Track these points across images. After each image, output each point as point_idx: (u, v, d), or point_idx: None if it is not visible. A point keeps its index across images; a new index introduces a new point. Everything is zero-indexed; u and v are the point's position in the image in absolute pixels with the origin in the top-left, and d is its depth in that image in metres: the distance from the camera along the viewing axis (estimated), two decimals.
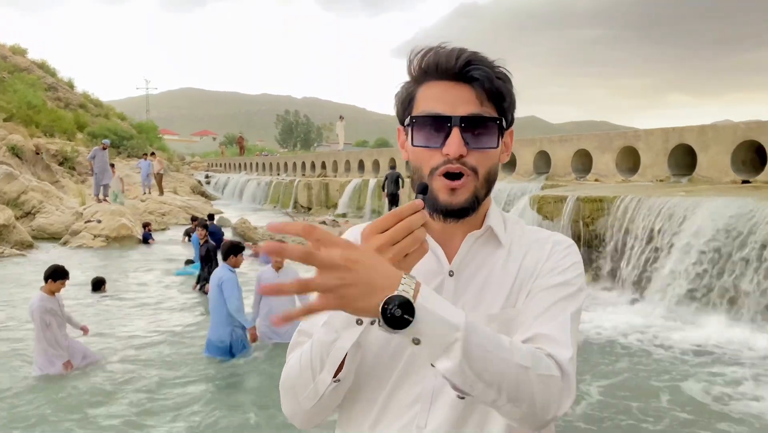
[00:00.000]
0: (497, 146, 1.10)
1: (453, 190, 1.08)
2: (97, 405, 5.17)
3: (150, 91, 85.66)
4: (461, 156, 1.06)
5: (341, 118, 30.73)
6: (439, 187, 1.08)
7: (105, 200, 17.94)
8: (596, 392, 5.36)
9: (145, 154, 24.80)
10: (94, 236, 15.63)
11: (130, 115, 44.81)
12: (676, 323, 7.23)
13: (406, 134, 1.14)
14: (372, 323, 0.97)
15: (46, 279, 5.87)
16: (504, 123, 1.11)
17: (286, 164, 34.69)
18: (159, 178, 23.47)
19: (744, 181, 10.24)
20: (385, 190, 17.70)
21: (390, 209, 17.42)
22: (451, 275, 1.14)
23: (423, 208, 0.95)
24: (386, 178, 17.86)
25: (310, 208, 24.94)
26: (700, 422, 4.76)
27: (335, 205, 23.03)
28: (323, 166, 29.00)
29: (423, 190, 1.03)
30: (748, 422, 4.72)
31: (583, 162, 13.87)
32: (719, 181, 10.54)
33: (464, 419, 1.09)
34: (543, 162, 15.23)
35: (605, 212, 9.18)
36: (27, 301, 6.51)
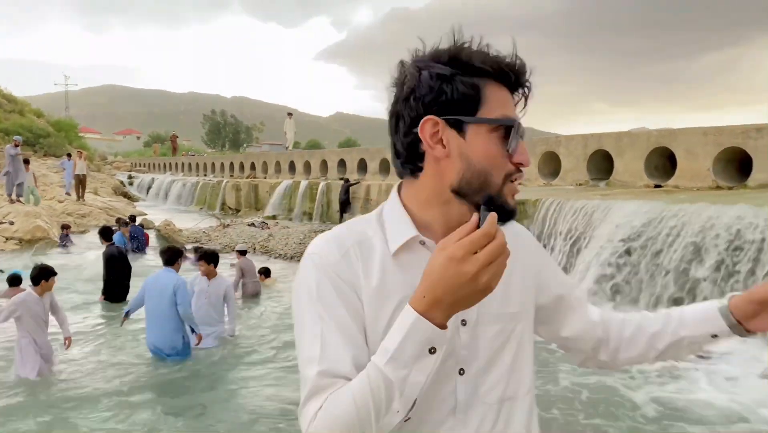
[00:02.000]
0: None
1: (515, 194, 1.09)
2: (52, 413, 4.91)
3: (69, 88, 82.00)
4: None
5: (290, 115, 29.13)
6: (509, 192, 1.06)
7: (19, 201, 17.03)
8: None
9: (69, 154, 23.54)
10: (6, 239, 14.81)
11: (47, 112, 42.64)
12: None
13: (460, 130, 1.05)
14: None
15: (36, 281, 5.66)
16: None
17: (213, 165, 33.94)
18: (79, 180, 22.20)
19: (656, 186, 10.80)
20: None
21: (341, 218, 17.19)
22: None
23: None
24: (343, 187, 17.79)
25: (238, 210, 24.49)
26: (585, 412, 4.97)
27: (265, 207, 22.73)
28: (252, 167, 28.55)
29: (488, 202, 1.02)
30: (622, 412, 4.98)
31: None
32: (634, 185, 11.07)
33: (496, 426, 1.12)
34: None
35: (528, 215, 9.47)
36: None
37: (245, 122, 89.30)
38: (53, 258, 13.16)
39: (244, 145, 78.48)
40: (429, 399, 1.04)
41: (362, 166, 20.52)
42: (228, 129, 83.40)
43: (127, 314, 6.44)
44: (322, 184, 19.92)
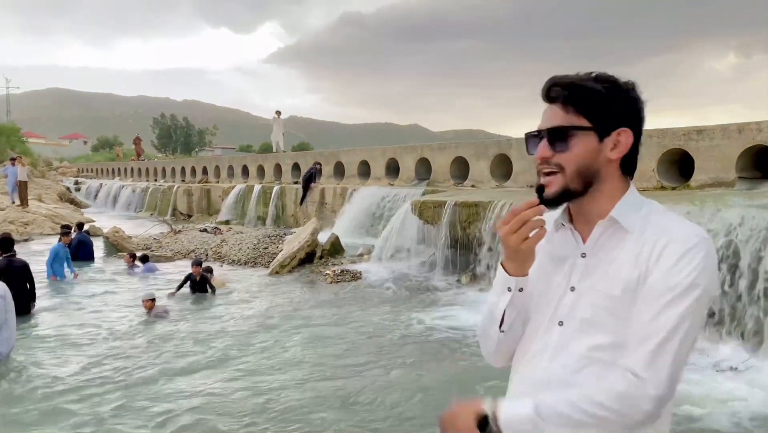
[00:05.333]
0: (568, 149, 1.38)
1: (546, 184, 1.40)
2: None
3: (11, 91, 79.01)
4: (546, 158, 1.39)
5: (278, 113, 25.44)
6: (540, 182, 1.42)
7: None
8: (481, 393, 5.58)
9: (13, 159, 22.59)
10: None
11: None
12: None
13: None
14: (519, 290, 1.43)
15: None
16: (597, 128, 1.38)
17: (164, 169, 33.22)
18: (22, 186, 21.42)
19: None
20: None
21: (302, 200, 17.64)
22: (583, 257, 1.43)
23: (538, 205, 1.37)
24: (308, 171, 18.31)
25: (190, 216, 24.05)
26: None
27: (217, 212, 22.38)
28: (204, 171, 28.07)
29: (539, 190, 1.40)
30: None
31: (461, 169, 14.42)
32: None
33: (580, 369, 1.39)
34: (424, 168, 15.66)
35: (480, 216, 9.60)
36: None
37: (197, 126, 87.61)
38: None
39: (196, 150, 77.03)
40: (536, 337, 1.47)
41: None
42: (179, 133, 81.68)
43: None
44: (275, 188, 19.75)
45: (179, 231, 17.01)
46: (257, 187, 20.81)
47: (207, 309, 9.04)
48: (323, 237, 12.70)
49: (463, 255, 10.07)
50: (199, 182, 26.59)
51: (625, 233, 1.38)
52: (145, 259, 12.44)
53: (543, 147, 1.40)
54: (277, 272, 11.65)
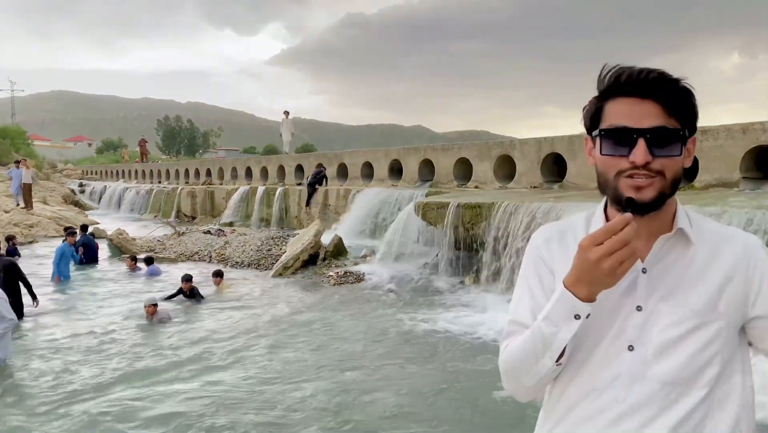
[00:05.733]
0: (680, 154, 1.26)
1: (639, 188, 1.24)
2: None
3: (16, 93, 79.27)
4: (647, 163, 1.23)
5: (286, 113, 24.68)
6: (625, 186, 1.26)
7: None
8: (486, 395, 5.57)
9: (17, 162, 22.65)
10: None
11: None
12: None
13: (594, 144, 1.33)
14: (587, 316, 1.24)
15: None
16: (687, 133, 1.27)
17: (168, 172, 33.28)
18: (27, 189, 21.48)
19: None
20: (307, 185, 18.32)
21: (307, 202, 17.62)
22: (644, 272, 1.31)
23: (631, 219, 1.16)
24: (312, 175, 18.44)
25: (194, 217, 24.09)
26: None
27: (221, 214, 22.41)
28: (208, 173, 28.12)
29: (629, 204, 1.24)
30: None
31: (464, 170, 14.40)
32: (586, 187, 11.31)
33: (666, 405, 1.28)
34: (427, 170, 15.65)
35: (484, 218, 9.58)
36: None
37: (201, 128, 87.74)
38: None
39: (200, 151, 77.13)
40: (598, 366, 1.32)
41: None
42: (183, 135, 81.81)
43: None
44: (279, 190, 19.76)
45: (183, 233, 17.03)
46: (261, 189, 20.83)
47: (209, 313, 9.04)
48: (326, 239, 12.70)
49: (467, 256, 10.05)
50: (202, 184, 26.63)
51: (688, 244, 1.32)
52: (149, 261, 12.46)
53: (643, 149, 1.23)
54: (280, 274, 11.65)
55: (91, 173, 47.22)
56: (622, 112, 1.25)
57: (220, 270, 10.94)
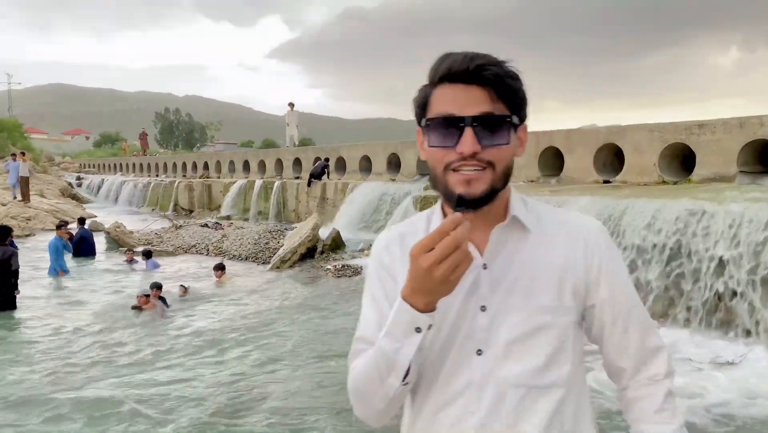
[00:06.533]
0: (509, 142, 1.16)
1: (468, 181, 1.13)
2: None
3: (13, 86, 79.02)
4: (475, 153, 1.12)
5: (291, 105, 23.99)
6: (454, 181, 1.14)
7: None
8: None
9: (14, 154, 22.61)
10: None
11: None
12: None
13: (423, 136, 1.21)
14: (429, 327, 1.11)
15: None
16: (517, 119, 1.18)
17: (165, 165, 33.24)
18: (24, 182, 21.46)
19: (605, 181, 11.08)
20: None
21: (309, 183, 17.41)
22: (484, 268, 1.21)
23: (462, 218, 1.05)
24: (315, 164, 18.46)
25: (191, 211, 24.07)
26: None
27: (219, 207, 22.40)
28: (206, 166, 28.09)
29: (460, 202, 1.13)
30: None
31: None
32: (583, 181, 11.33)
33: (524, 410, 1.19)
34: (425, 164, 15.60)
35: None
36: None
37: (199, 121, 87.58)
38: None
39: (198, 145, 77.03)
40: (449, 376, 1.21)
41: None
42: (182, 128, 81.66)
43: None
44: (277, 184, 19.75)
45: (180, 226, 17.02)
46: (258, 183, 20.82)
47: (206, 305, 9.05)
48: (324, 232, 12.70)
49: None
50: (200, 178, 26.60)
51: (525, 232, 1.22)
52: (148, 254, 12.45)
53: (470, 138, 1.12)
54: (278, 267, 11.66)
55: (89, 166, 47.15)
56: (447, 100, 1.15)
57: (221, 263, 10.94)
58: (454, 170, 1.14)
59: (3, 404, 5.24)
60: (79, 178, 38.77)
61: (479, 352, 1.19)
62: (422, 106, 1.20)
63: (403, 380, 1.15)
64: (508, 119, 1.15)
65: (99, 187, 35.46)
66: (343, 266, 11.00)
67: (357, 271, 10.73)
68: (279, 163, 22.46)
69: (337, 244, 12.57)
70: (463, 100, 1.13)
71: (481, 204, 1.14)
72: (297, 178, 20.24)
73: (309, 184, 17.98)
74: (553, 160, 12.22)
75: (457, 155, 1.13)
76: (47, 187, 27.38)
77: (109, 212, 24.84)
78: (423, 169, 15.70)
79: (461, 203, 1.12)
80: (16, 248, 13.91)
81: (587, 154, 11.39)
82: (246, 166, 24.72)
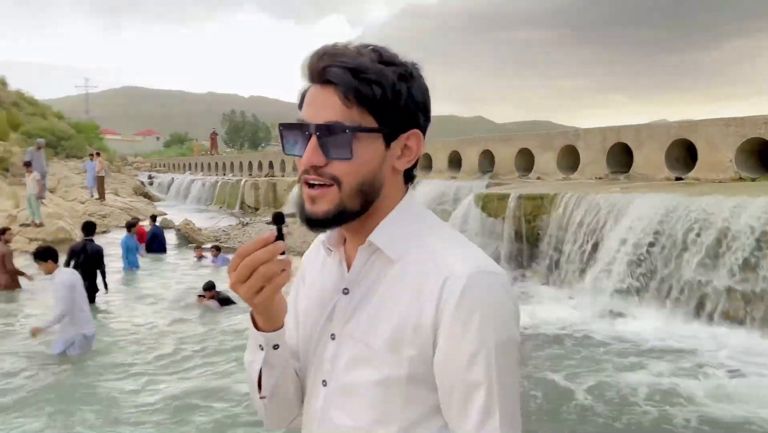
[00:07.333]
0: (351, 157, 0.97)
1: (313, 199, 1.01)
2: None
3: (89, 90, 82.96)
4: (316, 166, 0.98)
5: None
6: (304, 195, 1.02)
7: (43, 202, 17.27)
8: (526, 384, 5.49)
9: (91, 155, 23.78)
10: (30, 240, 15.03)
11: (68, 115, 43.20)
12: (612, 315, 7.47)
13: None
14: (274, 347, 1.06)
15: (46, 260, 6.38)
16: (385, 130, 1.00)
17: (232, 164, 34.17)
18: (100, 181, 22.56)
19: (677, 178, 10.66)
20: None
21: None
22: (345, 293, 1.07)
23: (275, 241, 0.95)
24: None
25: (257, 209, 24.65)
26: (624, 419, 4.88)
27: (283, 205, 22.83)
28: (270, 165, 28.70)
29: (276, 219, 1.03)
30: (672, 417, 4.90)
31: (526, 161, 14.16)
32: (654, 178, 10.94)
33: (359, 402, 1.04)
34: (487, 161, 15.47)
35: (546, 209, 9.40)
36: None
37: (264, 121, 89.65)
38: None
39: (263, 144, 78.81)
40: (307, 398, 1.14)
41: None
42: (247, 128, 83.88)
43: None
44: None
45: (247, 224, 17.47)
46: None
47: None
48: None
49: (528, 249, 9.90)
50: (265, 176, 27.20)
51: (390, 262, 1.03)
52: (217, 250, 12.81)
53: (310, 150, 0.98)
54: None
55: (160, 166, 49.00)
56: (307, 103, 1.01)
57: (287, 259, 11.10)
58: (304, 183, 1.02)
59: (91, 397, 5.51)
60: (150, 177, 40.35)
61: (324, 383, 1.08)
62: (299, 107, 1.05)
63: (260, 395, 1.10)
64: (347, 131, 0.97)
65: (169, 186, 36.81)
66: None
67: None
68: None
69: None
70: (319, 105, 0.99)
71: (327, 225, 1.02)
72: None
73: None
74: (621, 157, 11.85)
75: (303, 167, 1.00)
76: (121, 186, 28.63)
77: (179, 210, 25.75)
78: (485, 166, 15.53)
79: (276, 221, 1.03)
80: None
81: (658, 150, 10.99)
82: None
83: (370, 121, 0.98)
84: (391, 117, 1.00)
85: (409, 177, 1.09)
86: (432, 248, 1.02)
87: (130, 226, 12.87)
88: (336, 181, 0.99)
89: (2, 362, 6.31)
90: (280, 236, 0.97)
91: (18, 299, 9.51)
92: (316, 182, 1.00)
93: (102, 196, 22.25)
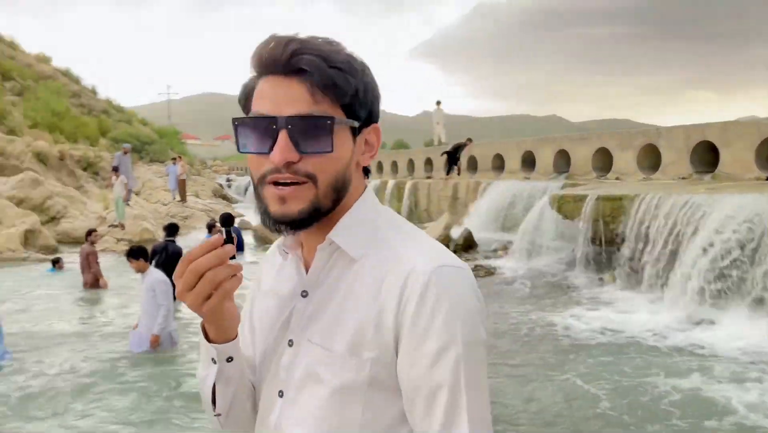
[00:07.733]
0: (332, 150, 0.92)
1: (283, 198, 0.93)
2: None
3: (171, 96, 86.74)
4: (292, 163, 0.91)
5: (438, 103, 22.96)
6: (269, 196, 0.94)
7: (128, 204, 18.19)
8: (605, 394, 5.29)
9: (173, 159, 24.90)
10: (117, 240, 15.85)
11: (152, 121, 45.32)
12: (696, 322, 7.11)
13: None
14: (228, 360, 0.99)
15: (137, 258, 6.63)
16: (352, 120, 0.95)
17: None
18: (182, 184, 23.58)
19: None
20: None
21: (448, 171, 17.64)
22: (303, 296, 1.01)
23: (224, 244, 0.90)
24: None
25: None
26: (703, 425, 4.66)
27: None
28: None
29: (224, 221, 0.95)
30: (750, 426, 4.61)
31: (604, 161, 13.74)
32: (742, 178, 10.35)
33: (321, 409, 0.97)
34: (563, 161, 15.11)
35: (625, 211, 9.06)
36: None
37: None
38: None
39: None
40: (261, 411, 1.05)
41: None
42: None
43: None
44: (409, 184, 19.98)
45: None
46: (391, 183, 21.18)
47: None
48: (456, 232, 12.64)
49: (606, 252, 9.56)
50: None
51: (351, 260, 0.97)
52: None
53: (283, 144, 0.90)
54: None
55: (237, 169, 50.61)
56: (263, 95, 0.93)
57: None
58: (270, 183, 0.93)
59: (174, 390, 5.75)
60: (228, 180, 41.81)
61: (281, 394, 1.01)
62: (242, 102, 0.99)
63: (214, 411, 1.03)
64: (330, 121, 0.91)
65: (246, 189, 37.96)
66: (475, 266, 10.88)
67: (490, 271, 10.56)
68: (411, 163, 22.72)
69: (469, 243, 12.47)
70: (282, 97, 0.91)
71: (302, 226, 0.95)
72: (428, 177, 20.33)
73: (447, 172, 18.00)
74: (706, 155, 11.29)
75: (272, 165, 0.92)
76: (201, 189, 29.75)
77: (255, 212, 26.46)
78: (560, 167, 15.16)
79: (223, 222, 0.95)
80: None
81: (747, 148, 10.39)
82: (379, 167, 25.26)
83: (340, 114, 0.93)
84: (357, 110, 0.95)
85: (366, 172, 1.05)
86: (393, 243, 0.97)
87: (211, 226, 13.34)
88: (311, 178, 0.92)
89: (85, 361, 6.63)
90: (228, 239, 0.92)
91: (101, 300, 10.01)
92: (289, 181, 0.92)
93: (183, 199, 23.20)
